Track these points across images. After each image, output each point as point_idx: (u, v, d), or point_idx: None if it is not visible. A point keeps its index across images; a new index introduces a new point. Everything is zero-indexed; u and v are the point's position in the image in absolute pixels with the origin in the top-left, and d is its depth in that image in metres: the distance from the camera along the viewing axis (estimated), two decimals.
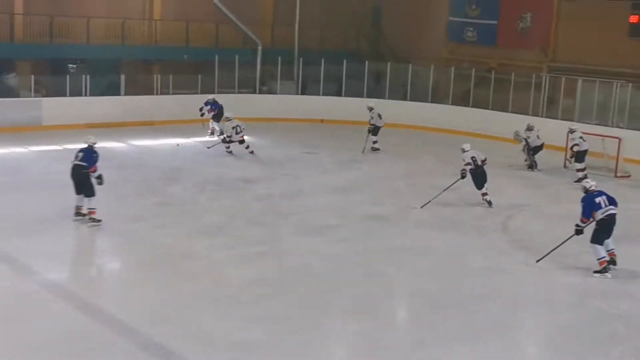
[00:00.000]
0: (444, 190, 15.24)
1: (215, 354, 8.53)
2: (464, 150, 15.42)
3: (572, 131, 18.92)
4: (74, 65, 24.66)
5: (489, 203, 15.32)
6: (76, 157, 13.12)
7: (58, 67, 24.81)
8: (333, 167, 19.46)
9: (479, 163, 15.20)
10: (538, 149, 19.50)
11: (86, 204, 13.08)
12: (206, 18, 27.68)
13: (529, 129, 19.53)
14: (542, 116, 23.46)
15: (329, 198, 15.95)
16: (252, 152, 19.88)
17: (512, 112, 24.27)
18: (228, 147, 19.88)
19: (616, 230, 11.53)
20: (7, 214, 13.65)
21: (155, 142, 20.27)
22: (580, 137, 18.45)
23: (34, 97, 23.11)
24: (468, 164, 15.17)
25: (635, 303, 10.79)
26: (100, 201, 14.27)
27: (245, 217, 14.20)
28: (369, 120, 20.76)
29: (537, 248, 12.40)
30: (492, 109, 24.83)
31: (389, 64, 27.16)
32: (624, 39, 23.89)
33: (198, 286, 10.57)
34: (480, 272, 11.77)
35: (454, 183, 15.35)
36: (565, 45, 26.00)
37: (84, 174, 12.92)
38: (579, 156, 18.29)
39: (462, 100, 25.87)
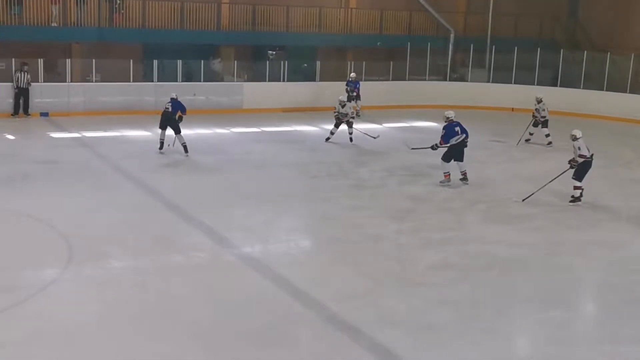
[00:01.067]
0: (549, 182, 14.45)
1: (400, 334, 8.54)
2: (575, 138, 13.85)
3: None
4: (273, 52, 25.80)
5: (577, 199, 14.04)
6: None
7: (259, 53, 26.09)
8: (522, 156, 19.14)
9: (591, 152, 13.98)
10: None
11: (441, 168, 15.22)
12: (400, 6, 27.98)
13: None
14: None
15: (518, 187, 15.68)
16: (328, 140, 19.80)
17: None
18: (351, 133, 19.70)
19: None
20: (208, 190, 14.56)
21: (346, 126, 20.74)
22: None
23: (237, 81, 24.49)
24: (583, 155, 13.84)
25: None
26: (294, 181, 15.02)
27: (432, 203, 14.30)
28: (539, 111, 19.85)
29: None
30: None
31: (585, 52, 26.18)
32: None
33: (385, 267, 10.75)
34: None
35: (561, 174, 14.38)
36: None
37: (436, 146, 15.47)
38: None
39: None
